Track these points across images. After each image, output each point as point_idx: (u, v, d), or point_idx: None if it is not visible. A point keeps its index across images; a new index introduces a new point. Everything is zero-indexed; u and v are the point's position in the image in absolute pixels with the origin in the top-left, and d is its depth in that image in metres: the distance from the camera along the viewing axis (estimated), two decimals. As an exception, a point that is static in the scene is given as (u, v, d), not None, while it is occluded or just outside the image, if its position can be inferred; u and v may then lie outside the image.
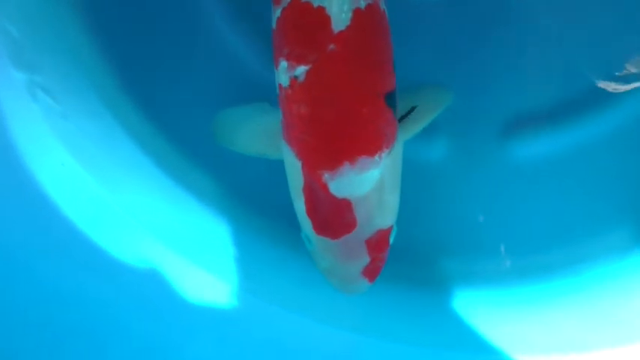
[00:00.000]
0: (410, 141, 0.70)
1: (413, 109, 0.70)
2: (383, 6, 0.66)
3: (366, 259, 0.67)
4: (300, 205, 0.66)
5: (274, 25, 0.66)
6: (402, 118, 0.68)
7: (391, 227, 0.67)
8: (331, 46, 0.62)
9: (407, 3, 0.81)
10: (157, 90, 0.84)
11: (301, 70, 0.62)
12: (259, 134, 0.71)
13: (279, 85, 0.65)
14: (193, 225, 0.87)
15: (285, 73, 0.63)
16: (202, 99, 0.81)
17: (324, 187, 0.63)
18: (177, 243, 0.84)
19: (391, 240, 0.68)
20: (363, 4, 0.63)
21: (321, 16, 0.62)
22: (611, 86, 0.80)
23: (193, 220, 0.87)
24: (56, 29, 0.81)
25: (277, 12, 0.65)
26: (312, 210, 0.65)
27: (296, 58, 0.63)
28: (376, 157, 0.63)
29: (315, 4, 0.62)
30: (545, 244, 0.86)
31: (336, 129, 0.62)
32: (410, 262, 0.85)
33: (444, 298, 0.85)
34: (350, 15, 0.62)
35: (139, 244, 0.83)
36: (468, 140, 0.84)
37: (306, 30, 0.63)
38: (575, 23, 0.81)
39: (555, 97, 0.83)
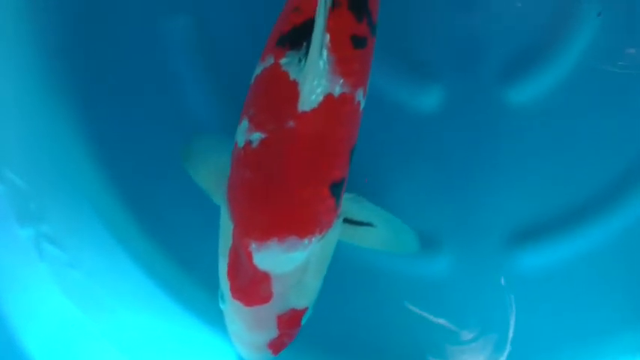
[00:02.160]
0: (413, 257, 0.77)
1: (369, 225, 0.71)
2: (360, 98, 0.65)
3: (274, 333, 0.67)
4: (223, 264, 0.67)
5: (252, 80, 0.66)
6: (353, 221, 0.70)
7: (306, 309, 0.68)
8: (291, 123, 0.61)
9: (405, 115, 0.83)
10: (165, 216, 0.85)
11: (257, 136, 0.62)
12: (218, 172, 0.71)
13: (236, 142, 0.65)
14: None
15: (244, 133, 0.64)
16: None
17: (249, 255, 0.63)
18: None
19: (303, 321, 0.69)
20: (337, 92, 0.62)
21: (292, 91, 0.61)
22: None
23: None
24: (61, 169, 0.83)
25: (259, 69, 0.65)
26: (233, 273, 0.66)
27: (256, 123, 0.63)
28: (305, 241, 0.63)
29: (292, 77, 0.61)
30: (552, 353, 0.86)
31: (273, 204, 0.63)
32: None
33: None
34: (320, 99, 0.61)
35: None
36: (473, 253, 0.84)
37: (274, 99, 0.63)
38: (575, 131, 0.82)
39: (558, 206, 0.83)
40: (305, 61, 0.61)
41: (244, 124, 0.64)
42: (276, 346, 0.68)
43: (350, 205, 0.69)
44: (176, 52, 0.84)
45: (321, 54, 0.61)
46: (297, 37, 0.62)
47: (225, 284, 0.66)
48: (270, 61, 0.63)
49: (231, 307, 0.67)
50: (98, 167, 0.84)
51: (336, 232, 0.67)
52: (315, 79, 0.61)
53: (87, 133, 0.84)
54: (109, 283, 0.82)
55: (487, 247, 0.84)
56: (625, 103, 0.82)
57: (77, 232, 0.84)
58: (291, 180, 0.62)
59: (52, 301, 0.81)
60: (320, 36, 0.60)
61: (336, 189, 0.64)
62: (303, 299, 0.67)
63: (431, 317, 0.83)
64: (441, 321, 0.83)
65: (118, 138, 0.83)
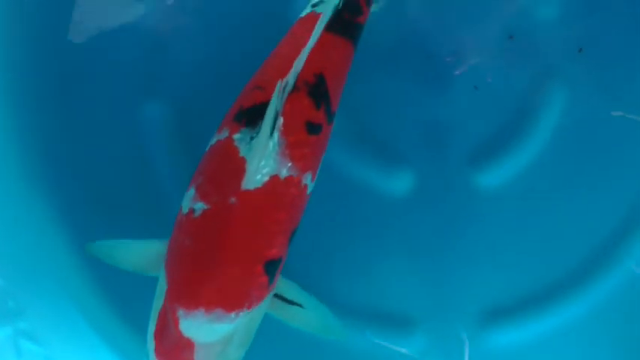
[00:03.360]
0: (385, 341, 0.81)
1: (299, 305, 0.72)
2: (308, 182, 0.66)
3: None
4: (152, 325, 0.67)
5: (207, 149, 0.67)
6: (284, 299, 0.71)
7: None
8: (233, 199, 0.62)
9: (375, 198, 0.84)
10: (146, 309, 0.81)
11: (200, 206, 0.63)
12: (142, 253, 0.72)
13: (181, 207, 0.66)
14: None
15: (189, 200, 0.64)
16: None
17: (176, 320, 0.63)
18: None
19: None
20: (284, 174, 0.63)
21: (239, 167, 0.62)
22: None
23: None
24: (39, 263, 0.84)
25: (214, 140, 0.66)
26: (159, 335, 0.66)
27: (202, 193, 0.64)
28: (232, 314, 0.63)
29: (241, 153, 0.62)
30: None
31: (206, 275, 0.63)
32: None
33: None
34: (265, 179, 0.62)
35: None
36: (446, 334, 0.84)
37: (222, 173, 0.63)
38: (543, 211, 0.84)
39: (528, 285, 0.84)
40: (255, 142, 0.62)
41: (191, 192, 0.65)
42: None
43: (283, 284, 0.70)
44: (153, 138, 0.84)
45: (271, 135, 0.61)
46: (254, 116, 0.63)
47: (151, 344, 0.66)
48: (225, 134, 0.64)
49: None
50: (77, 260, 0.84)
51: (265, 306, 0.68)
52: (263, 160, 0.62)
53: (65, 226, 0.84)
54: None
55: (460, 327, 0.84)
56: (593, 183, 0.83)
57: (56, 326, 0.83)
58: (226, 255, 0.62)
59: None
60: (272, 118, 0.61)
61: (270, 267, 0.65)
62: None
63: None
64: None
65: (96, 230, 0.82)
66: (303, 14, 0.70)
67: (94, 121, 0.84)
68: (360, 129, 0.83)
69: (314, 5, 0.69)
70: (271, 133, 0.61)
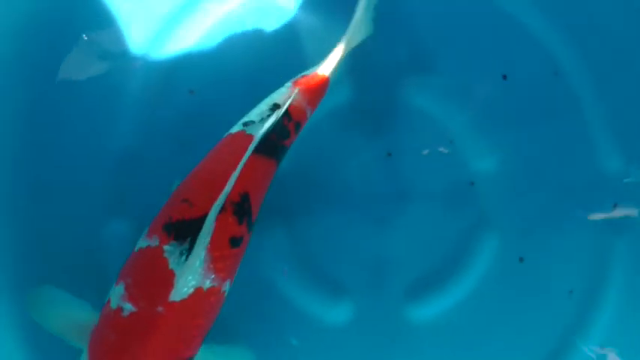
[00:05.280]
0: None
1: None
2: (226, 288, 0.70)
3: None
4: None
5: (136, 249, 0.69)
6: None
7: None
8: (160, 308, 0.65)
9: (314, 325, 0.86)
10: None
11: (129, 307, 0.66)
12: (71, 321, 0.74)
13: (109, 299, 0.68)
14: None
15: (118, 297, 0.67)
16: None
17: None
18: None
19: None
20: (207, 285, 0.67)
21: (168, 279, 0.66)
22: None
23: None
24: None
25: (144, 243, 0.68)
26: None
27: (131, 295, 0.66)
28: None
29: (171, 266, 0.66)
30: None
31: None
32: None
33: None
34: (190, 291, 0.66)
35: None
36: None
37: (151, 280, 0.66)
38: (479, 343, 0.87)
39: None
40: (186, 259, 0.65)
41: (121, 288, 0.67)
42: None
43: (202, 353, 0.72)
44: (116, 258, 0.83)
45: (200, 255, 0.65)
46: (184, 231, 0.66)
47: None
48: (155, 242, 0.67)
49: None
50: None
51: None
52: (191, 275, 0.65)
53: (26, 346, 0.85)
54: None
55: None
56: (523, 318, 0.86)
57: None
58: (147, 356, 0.65)
59: None
60: (205, 242, 0.65)
61: None
62: None
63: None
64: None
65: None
66: (233, 131, 0.72)
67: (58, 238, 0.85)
68: (306, 258, 0.86)
69: (245, 124, 0.72)
70: (201, 254, 0.66)
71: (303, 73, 0.78)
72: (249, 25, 0.88)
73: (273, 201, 0.80)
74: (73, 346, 0.73)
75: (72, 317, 0.74)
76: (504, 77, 0.88)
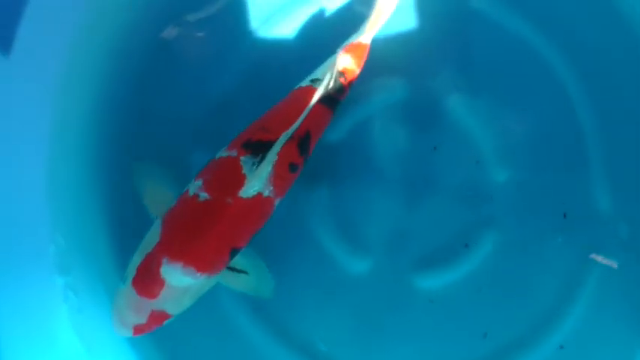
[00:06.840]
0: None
1: (244, 272, 0.87)
2: (277, 203, 0.83)
3: (143, 320, 0.81)
4: (137, 259, 0.81)
5: (216, 157, 0.81)
6: (233, 268, 0.86)
7: (171, 316, 0.82)
8: (229, 199, 0.79)
9: (337, 272, 0.98)
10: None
11: (204, 195, 0.79)
12: (158, 196, 0.87)
13: (187, 189, 0.81)
14: None
15: (196, 188, 0.80)
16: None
17: (159, 264, 0.78)
18: None
19: (164, 323, 0.82)
20: (266, 194, 0.81)
21: (240, 180, 0.79)
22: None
23: None
24: (86, 236, 0.97)
25: (224, 153, 0.81)
26: (142, 270, 0.80)
27: (207, 186, 0.79)
28: (199, 274, 0.79)
29: (244, 171, 0.79)
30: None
31: (193, 243, 0.78)
32: None
33: None
34: (255, 193, 0.80)
35: None
36: None
37: (227, 178, 0.79)
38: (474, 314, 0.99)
39: None
40: (257, 168, 0.78)
41: (199, 182, 0.79)
42: (137, 330, 0.82)
43: (237, 258, 0.83)
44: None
45: (268, 168, 0.79)
46: (259, 149, 0.80)
47: (131, 272, 0.80)
48: (233, 153, 0.80)
49: (126, 290, 0.80)
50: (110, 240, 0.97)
51: (219, 276, 0.82)
52: (257, 181, 0.79)
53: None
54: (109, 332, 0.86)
55: None
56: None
57: (87, 287, 0.94)
58: (212, 235, 0.78)
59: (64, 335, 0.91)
60: (273, 157, 0.79)
61: (234, 252, 0.81)
62: (174, 309, 0.81)
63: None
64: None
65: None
66: (303, 84, 0.85)
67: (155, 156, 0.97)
68: (342, 217, 0.97)
69: (312, 80, 0.86)
70: (269, 166, 0.79)
71: (349, 41, 0.89)
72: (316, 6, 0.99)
73: (326, 164, 0.96)
74: (149, 216, 0.86)
75: (158, 191, 0.88)
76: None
